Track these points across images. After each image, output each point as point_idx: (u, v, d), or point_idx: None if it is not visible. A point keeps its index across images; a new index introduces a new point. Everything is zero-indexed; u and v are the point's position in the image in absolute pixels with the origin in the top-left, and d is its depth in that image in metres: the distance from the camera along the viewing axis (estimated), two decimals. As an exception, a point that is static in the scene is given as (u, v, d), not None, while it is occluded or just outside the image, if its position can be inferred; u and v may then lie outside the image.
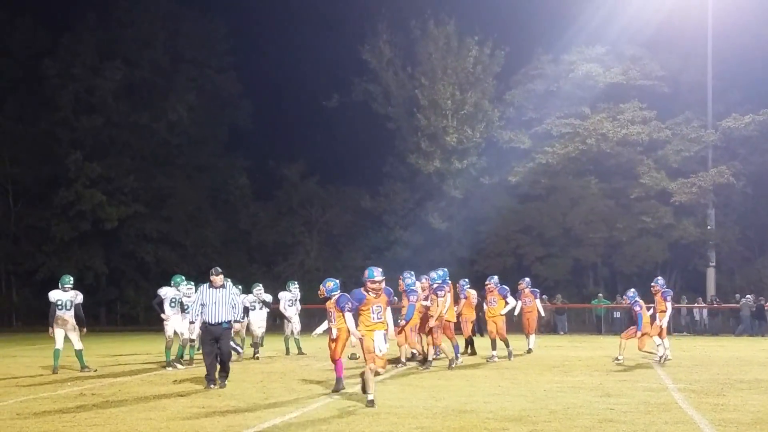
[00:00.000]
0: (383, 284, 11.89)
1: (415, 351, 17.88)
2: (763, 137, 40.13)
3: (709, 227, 40.48)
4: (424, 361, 17.25)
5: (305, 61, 50.94)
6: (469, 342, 21.07)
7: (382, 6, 44.89)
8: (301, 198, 47.94)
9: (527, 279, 23.29)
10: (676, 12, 40.20)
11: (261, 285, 21.47)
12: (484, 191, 43.81)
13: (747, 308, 33.81)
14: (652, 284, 19.63)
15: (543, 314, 22.34)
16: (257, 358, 19.82)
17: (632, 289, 19.07)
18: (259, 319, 21.13)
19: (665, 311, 18.75)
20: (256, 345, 20.49)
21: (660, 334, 18.50)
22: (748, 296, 34.65)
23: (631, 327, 18.56)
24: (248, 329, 20.85)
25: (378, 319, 11.67)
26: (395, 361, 17.32)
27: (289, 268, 45.02)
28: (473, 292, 20.58)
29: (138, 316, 44.95)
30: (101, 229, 45.24)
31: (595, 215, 41.16)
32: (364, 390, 11.60)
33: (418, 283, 17.54)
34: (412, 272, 17.60)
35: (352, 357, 18.34)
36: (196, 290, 17.12)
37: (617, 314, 36.15)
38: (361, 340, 11.62)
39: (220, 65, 49.76)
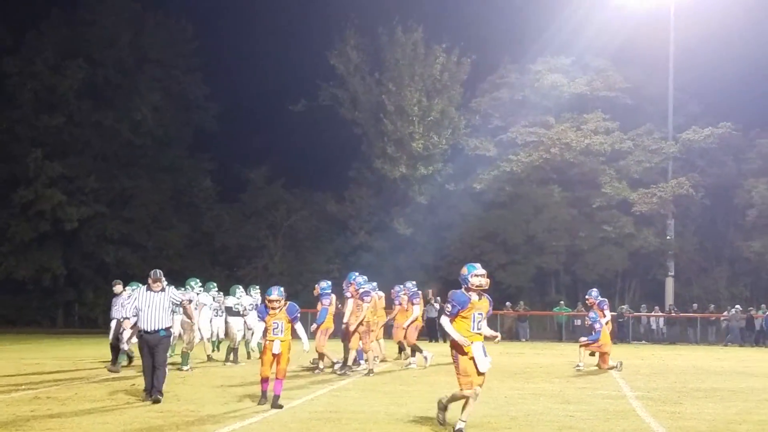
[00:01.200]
0: (486, 283, 10.15)
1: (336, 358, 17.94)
2: (722, 150, 41.06)
3: (668, 237, 41.08)
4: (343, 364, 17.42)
5: (272, 64, 50.80)
6: (401, 348, 20.99)
7: (349, 11, 44.93)
8: (266, 201, 47.70)
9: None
10: (641, 27, 40.90)
11: (241, 287, 21.30)
12: (450, 198, 44.00)
13: (735, 319, 34.11)
14: (587, 297, 19.82)
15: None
16: (234, 363, 19.66)
17: (593, 313, 19.03)
18: (239, 324, 20.80)
19: (606, 320, 19.07)
20: (233, 351, 20.12)
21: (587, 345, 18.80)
22: (737, 306, 35.04)
23: (590, 340, 18.67)
24: (227, 333, 20.54)
25: (477, 329, 9.97)
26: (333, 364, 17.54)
27: (252, 271, 44.85)
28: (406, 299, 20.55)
29: (97, 318, 44.37)
30: (61, 230, 44.61)
31: (558, 223, 41.51)
32: (441, 420, 9.96)
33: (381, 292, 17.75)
34: (362, 276, 17.67)
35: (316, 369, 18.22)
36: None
37: (578, 322, 36.38)
38: (455, 360, 9.84)
39: (186, 66, 49.38)
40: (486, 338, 10.18)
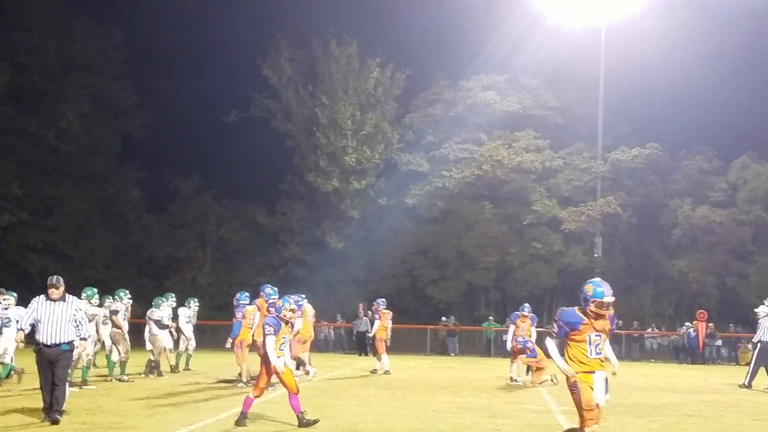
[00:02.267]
0: (611, 306, 8.44)
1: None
2: (649, 170, 41.98)
3: (596, 255, 41.74)
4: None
5: (203, 74, 50.44)
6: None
7: (284, 23, 44.88)
8: (196, 212, 47.15)
9: (383, 299, 23.55)
10: (574, 48, 41.78)
11: (165, 299, 20.95)
12: (382, 212, 44.05)
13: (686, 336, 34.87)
14: (523, 312, 20.09)
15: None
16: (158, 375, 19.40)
17: (521, 337, 19.31)
18: (188, 332, 21.19)
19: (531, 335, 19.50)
20: (156, 363, 19.83)
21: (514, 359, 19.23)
22: (687, 323, 35.67)
23: (529, 356, 18.90)
24: (177, 343, 20.27)
25: (597, 354, 8.37)
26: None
27: (180, 282, 44.22)
28: (310, 309, 20.47)
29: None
30: (-19, 239, 43.52)
31: (489, 240, 41.83)
32: None
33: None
34: (275, 288, 17.51)
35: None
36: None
37: (506, 337, 36.67)
38: (573, 389, 8.34)
39: (115, 74, 48.47)
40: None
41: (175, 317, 21.20)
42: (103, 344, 17.95)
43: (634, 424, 11.90)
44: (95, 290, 17.01)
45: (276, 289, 17.28)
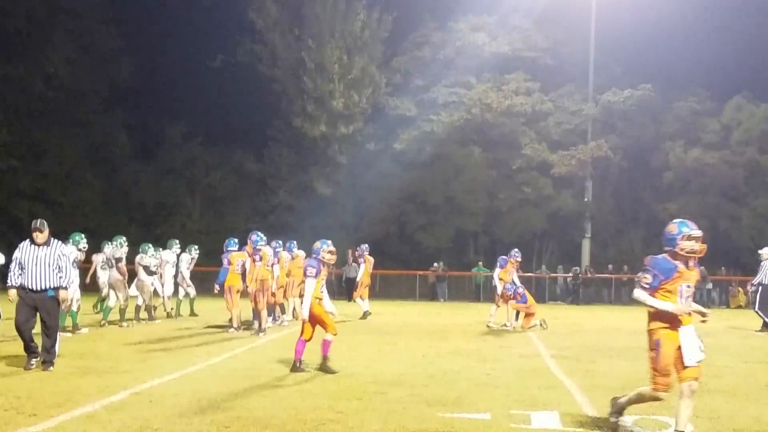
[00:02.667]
0: (701, 250, 7.31)
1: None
2: (641, 112, 41.54)
3: (586, 199, 41.70)
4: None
5: (189, 18, 49.55)
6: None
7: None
8: (184, 159, 46.93)
9: (366, 245, 23.58)
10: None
11: (151, 245, 21.00)
12: (370, 158, 43.83)
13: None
14: (517, 258, 20.02)
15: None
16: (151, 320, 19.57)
17: (510, 283, 19.22)
18: (188, 279, 21.65)
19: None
20: (149, 308, 20.00)
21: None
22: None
23: (519, 302, 18.91)
24: (142, 291, 20.24)
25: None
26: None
27: (170, 229, 44.12)
28: (287, 255, 20.45)
29: (6, 275, 43.28)
30: (-28, 185, 43.36)
31: (478, 184, 41.77)
32: (614, 426, 7.69)
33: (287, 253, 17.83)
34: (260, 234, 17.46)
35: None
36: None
37: (495, 282, 36.78)
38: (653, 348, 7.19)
39: (100, 18, 47.88)
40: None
41: (169, 264, 21.26)
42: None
43: (623, 367, 11.96)
44: (83, 236, 16.89)
45: (262, 235, 17.25)
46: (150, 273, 19.86)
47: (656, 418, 7.98)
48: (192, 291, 21.97)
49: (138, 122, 48.10)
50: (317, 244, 11.40)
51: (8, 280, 11.22)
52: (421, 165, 43.10)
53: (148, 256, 19.88)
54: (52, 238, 11.29)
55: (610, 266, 38.32)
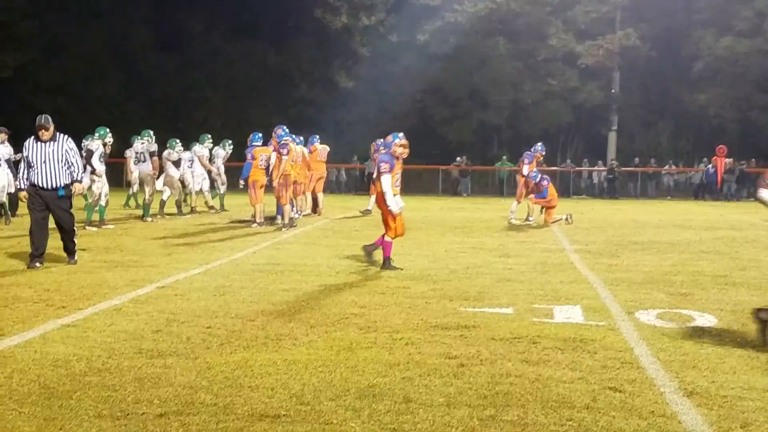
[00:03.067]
0: None
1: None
2: (671, -1, 40.32)
3: (613, 91, 41.09)
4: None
5: None
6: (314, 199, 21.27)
7: None
8: (205, 52, 46.57)
9: (382, 140, 23.35)
10: None
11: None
12: (392, 50, 43.25)
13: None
14: (541, 152, 19.83)
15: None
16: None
17: (534, 171, 18.98)
18: (223, 174, 22.11)
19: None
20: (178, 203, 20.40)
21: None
22: (743, 162, 35.27)
23: (538, 197, 18.82)
24: (170, 185, 20.29)
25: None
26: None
27: (192, 124, 44.10)
28: (321, 147, 20.50)
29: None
30: (-5, 78, 43.32)
31: (502, 77, 41.24)
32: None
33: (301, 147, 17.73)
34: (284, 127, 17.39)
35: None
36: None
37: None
38: None
39: None
40: None
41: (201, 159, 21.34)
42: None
43: (647, 261, 11.94)
44: (107, 129, 16.92)
45: (287, 129, 17.18)
46: (177, 167, 20.00)
47: (679, 311, 7.98)
48: (224, 187, 22.18)
49: (158, 14, 47.54)
50: (389, 138, 11.05)
51: (18, 183, 11.04)
52: (445, 57, 42.51)
53: (176, 151, 19.95)
54: (58, 133, 10.94)
55: (637, 159, 38.04)
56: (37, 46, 44.12)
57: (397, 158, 10.81)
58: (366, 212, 21.40)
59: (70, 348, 6.05)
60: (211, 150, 21.82)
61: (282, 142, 16.67)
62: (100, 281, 9.38)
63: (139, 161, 18.52)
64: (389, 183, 10.58)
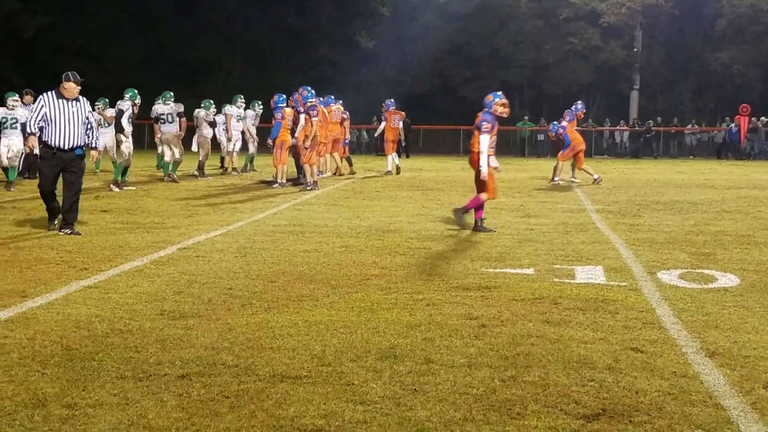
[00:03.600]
0: None
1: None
2: (695, -45, 39.79)
3: (635, 49, 40.75)
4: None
5: None
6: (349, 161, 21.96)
7: None
8: (224, 13, 46.38)
9: (391, 100, 23.30)
10: None
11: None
12: (413, 9, 43.02)
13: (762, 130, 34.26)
14: (582, 110, 19.72)
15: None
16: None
17: (553, 125, 19.00)
18: (254, 134, 22.00)
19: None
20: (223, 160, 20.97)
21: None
22: (762, 118, 34.82)
23: (564, 150, 18.80)
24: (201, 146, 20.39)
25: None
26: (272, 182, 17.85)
27: (211, 86, 44.04)
28: (336, 108, 20.48)
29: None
30: (17, 39, 43.42)
31: (524, 36, 40.96)
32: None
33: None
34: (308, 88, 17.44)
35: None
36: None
37: (541, 137, 36.60)
38: None
39: None
40: None
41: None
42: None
43: (669, 221, 11.88)
44: (136, 91, 17.06)
45: (313, 91, 17.15)
46: (212, 127, 20.11)
47: (701, 271, 7.94)
48: (254, 147, 22.36)
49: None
50: (489, 97, 10.80)
51: (29, 128, 10.31)
52: (466, 16, 42.20)
53: (209, 112, 20.00)
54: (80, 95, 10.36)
55: (659, 119, 37.72)
56: (58, 8, 44.13)
57: (497, 118, 10.63)
58: (388, 173, 21.51)
59: (92, 309, 6.09)
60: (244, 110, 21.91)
61: (309, 103, 16.63)
62: (122, 243, 9.42)
63: (166, 122, 18.45)
64: (487, 143, 10.43)
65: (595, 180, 18.61)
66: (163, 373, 4.57)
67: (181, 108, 18.55)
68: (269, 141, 17.42)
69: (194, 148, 20.17)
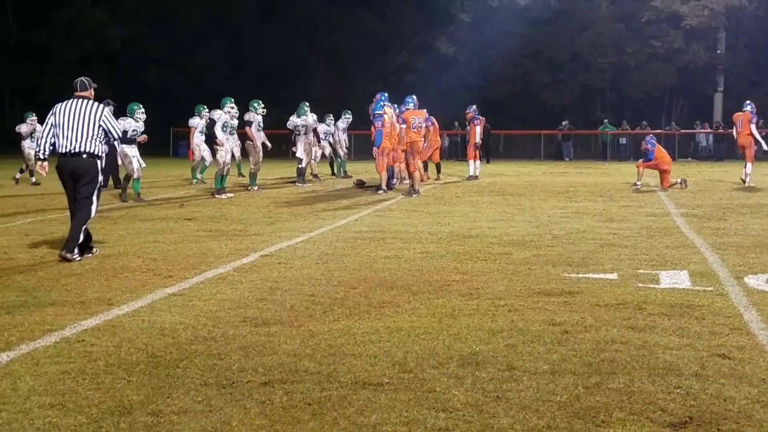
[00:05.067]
0: None
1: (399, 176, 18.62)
2: (779, -44, 38.82)
3: (719, 51, 39.95)
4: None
5: None
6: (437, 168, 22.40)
7: None
8: (307, 19, 46.88)
9: (474, 106, 23.11)
10: None
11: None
12: (493, 14, 42.85)
13: None
14: (744, 110, 19.39)
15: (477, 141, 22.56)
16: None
17: (649, 136, 18.75)
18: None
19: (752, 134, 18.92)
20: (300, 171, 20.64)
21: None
22: None
23: (645, 160, 18.57)
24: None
25: None
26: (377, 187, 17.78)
27: (294, 92, 44.53)
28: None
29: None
30: (105, 50, 44.59)
31: (605, 39, 40.48)
32: None
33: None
34: (414, 96, 17.70)
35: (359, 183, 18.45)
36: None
37: (623, 140, 36.12)
38: None
39: None
40: None
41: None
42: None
43: (756, 225, 11.60)
44: (231, 99, 17.89)
45: (385, 98, 17.18)
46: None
47: (792, 278, 7.72)
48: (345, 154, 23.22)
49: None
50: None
51: (43, 139, 9.23)
52: (545, 20, 41.94)
53: (302, 119, 20.18)
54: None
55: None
56: (144, 19, 45.15)
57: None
58: (471, 178, 21.54)
59: (177, 317, 6.20)
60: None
61: (378, 113, 16.67)
62: (205, 250, 9.57)
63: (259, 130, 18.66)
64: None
65: (679, 184, 18.27)
66: (246, 380, 4.63)
67: (247, 117, 18.48)
68: (375, 149, 17.14)
69: (299, 154, 20.30)
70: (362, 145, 30.66)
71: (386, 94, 17.50)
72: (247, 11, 48.20)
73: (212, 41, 46.93)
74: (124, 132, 14.81)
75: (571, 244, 9.85)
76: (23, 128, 21.43)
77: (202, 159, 20.86)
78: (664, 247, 9.54)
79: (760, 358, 5.00)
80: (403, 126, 16.92)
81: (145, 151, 16.93)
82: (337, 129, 22.94)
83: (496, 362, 4.92)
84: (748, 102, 19.91)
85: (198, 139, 20.83)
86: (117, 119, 11.72)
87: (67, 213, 9.65)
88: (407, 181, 18.84)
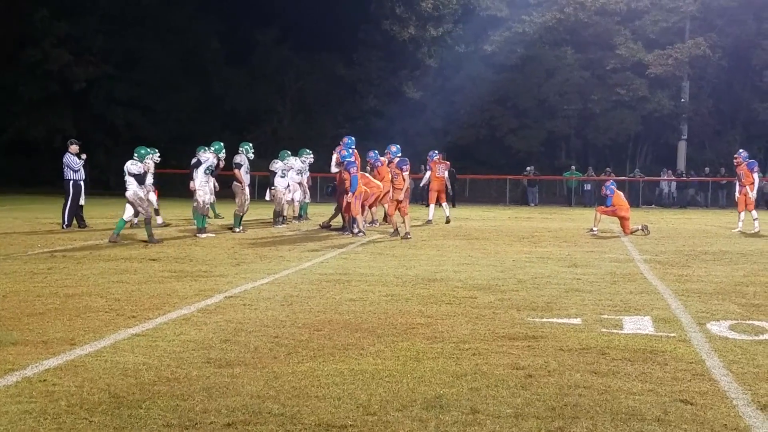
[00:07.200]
0: None
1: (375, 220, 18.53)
2: (741, 8, 39.57)
3: (682, 100, 40.57)
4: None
5: None
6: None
7: None
8: (275, 64, 47.14)
9: (435, 151, 23.20)
10: None
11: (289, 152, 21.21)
12: (460, 60, 43.30)
13: None
14: (735, 156, 19.67)
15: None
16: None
17: (609, 182, 18.83)
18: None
19: (753, 183, 19.03)
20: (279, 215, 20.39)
21: (749, 207, 19.10)
22: None
23: (604, 206, 18.65)
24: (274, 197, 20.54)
25: None
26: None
27: (261, 135, 44.63)
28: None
29: (108, 180, 44.22)
30: (70, 91, 44.44)
31: (570, 86, 40.98)
32: None
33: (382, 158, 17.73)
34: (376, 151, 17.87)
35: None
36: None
37: (588, 186, 36.44)
38: None
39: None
40: None
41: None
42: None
43: (719, 272, 11.73)
44: (222, 145, 17.87)
45: (353, 142, 17.26)
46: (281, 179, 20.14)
47: (752, 322, 7.82)
48: (308, 196, 22.61)
49: (230, 28, 48.29)
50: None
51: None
52: (512, 67, 42.40)
53: (284, 163, 20.07)
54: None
55: (707, 169, 37.39)
56: (112, 60, 45.12)
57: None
58: (428, 222, 21.53)
59: (140, 357, 6.15)
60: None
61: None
62: (169, 291, 9.51)
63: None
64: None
65: (641, 229, 18.33)
66: (209, 421, 4.59)
67: (237, 160, 18.41)
68: (350, 195, 17.09)
69: (268, 197, 20.18)
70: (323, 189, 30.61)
71: (353, 138, 17.60)
72: (215, 55, 48.36)
73: (180, 83, 46.95)
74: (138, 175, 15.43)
75: (536, 289, 9.90)
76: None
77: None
78: (627, 293, 9.61)
79: (722, 403, 5.04)
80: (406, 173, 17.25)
81: (118, 191, 16.77)
82: (303, 172, 21.97)
83: (460, 405, 4.92)
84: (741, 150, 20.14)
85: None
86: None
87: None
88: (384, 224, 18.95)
